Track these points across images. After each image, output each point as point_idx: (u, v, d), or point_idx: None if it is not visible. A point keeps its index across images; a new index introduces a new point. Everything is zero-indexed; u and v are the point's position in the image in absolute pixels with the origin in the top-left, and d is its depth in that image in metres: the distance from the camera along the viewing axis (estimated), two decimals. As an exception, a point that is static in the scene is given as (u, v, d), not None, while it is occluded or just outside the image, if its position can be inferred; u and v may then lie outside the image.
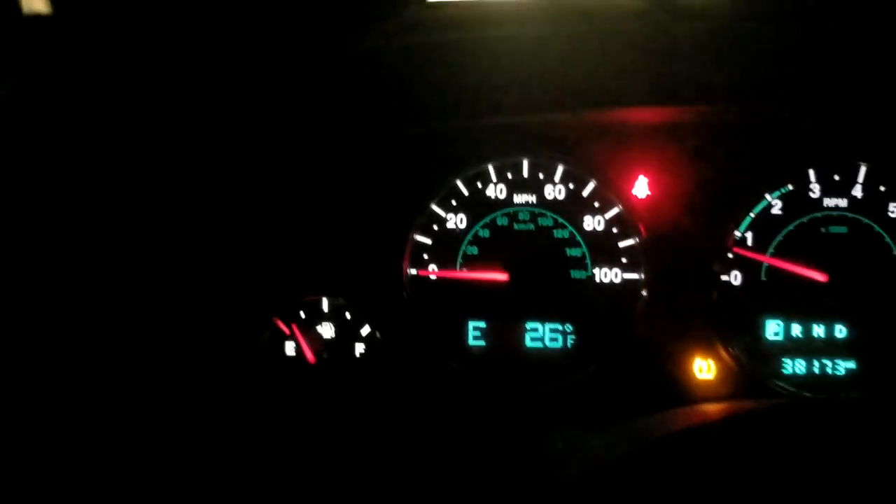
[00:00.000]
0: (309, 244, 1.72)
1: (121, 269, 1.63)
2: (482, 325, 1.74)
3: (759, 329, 1.70)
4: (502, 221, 1.73)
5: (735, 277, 1.69)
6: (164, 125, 1.53)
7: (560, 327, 1.73)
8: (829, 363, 1.69)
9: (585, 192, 1.72)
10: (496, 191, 1.73)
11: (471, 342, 1.74)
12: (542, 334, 1.73)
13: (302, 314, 1.71)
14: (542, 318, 1.73)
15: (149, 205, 1.66)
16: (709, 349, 1.67)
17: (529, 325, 1.74)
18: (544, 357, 1.73)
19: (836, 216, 1.67)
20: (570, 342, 1.73)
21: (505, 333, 1.74)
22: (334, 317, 1.71)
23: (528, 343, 1.74)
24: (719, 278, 1.68)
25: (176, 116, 1.53)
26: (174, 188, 1.68)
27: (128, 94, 1.42)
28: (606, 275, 1.72)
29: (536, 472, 1.42)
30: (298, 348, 1.70)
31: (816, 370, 1.69)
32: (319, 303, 1.72)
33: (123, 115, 1.50)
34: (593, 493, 1.36)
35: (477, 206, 1.73)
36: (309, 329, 1.71)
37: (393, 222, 1.72)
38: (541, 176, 1.73)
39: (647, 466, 1.31)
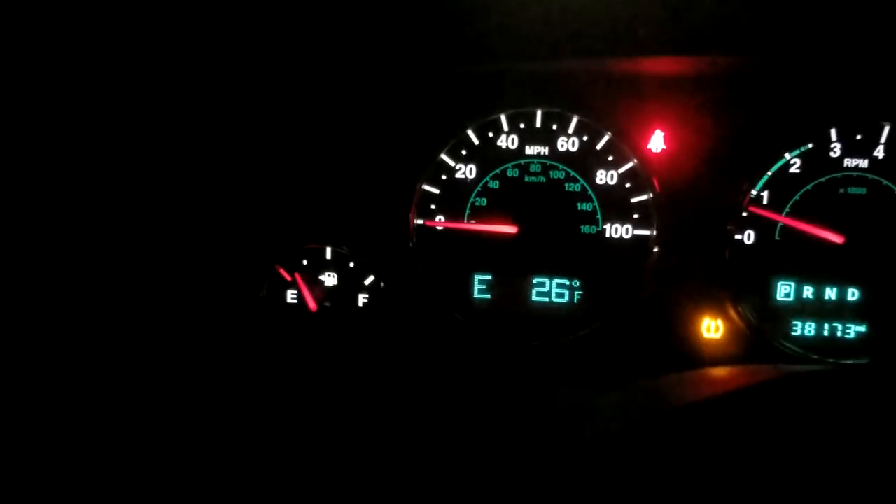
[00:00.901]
0: (314, 191, 1.68)
1: (125, 212, 1.60)
2: (488, 278, 1.71)
3: (770, 290, 1.67)
4: (513, 173, 1.69)
5: (748, 236, 1.65)
6: (171, 58, 1.48)
7: (567, 283, 1.70)
8: (839, 326, 1.67)
9: (599, 145, 1.67)
10: (508, 141, 1.68)
11: (476, 295, 1.71)
12: (548, 289, 1.70)
13: (305, 262, 1.68)
14: (550, 273, 1.70)
15: (155, 148, 1.62)
16: (718, 309, 1.65)
17: (536, 280, 1.70)
18: (550, 312, 1.70)
19: (855, 177, 1.63)
20: (576, 298, 1.70)
21: (511, 287, 1.71)
22: (337, 266, 1.68)
23: (535, 298, 1.71)
24: (732, 237, 1.65)
25: (184, 50, 1.48)
26: (182, 132, 1.63)
27: (133, 27, 1.37)
28: (617, 230, 1.68)
29: (549, 432, 1.40)
30: (300, 296, 1.67)
31: (826, 333, 1.67)
32: (323, 251, 1.68)
33: (124, 51, 1.45)
34: (609, 459, 1.33)
35: (487, 156, 1.69)
36: (311, 277, 1.67)
37: (401, 171, 1.68)
38: (554, 127, 1.68)
39: (665, 436, 1.28)
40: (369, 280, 1.68)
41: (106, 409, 1.49)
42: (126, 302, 1.57)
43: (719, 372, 1.48)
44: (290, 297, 1.68)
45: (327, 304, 1.68)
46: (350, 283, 1.68)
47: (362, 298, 1.68)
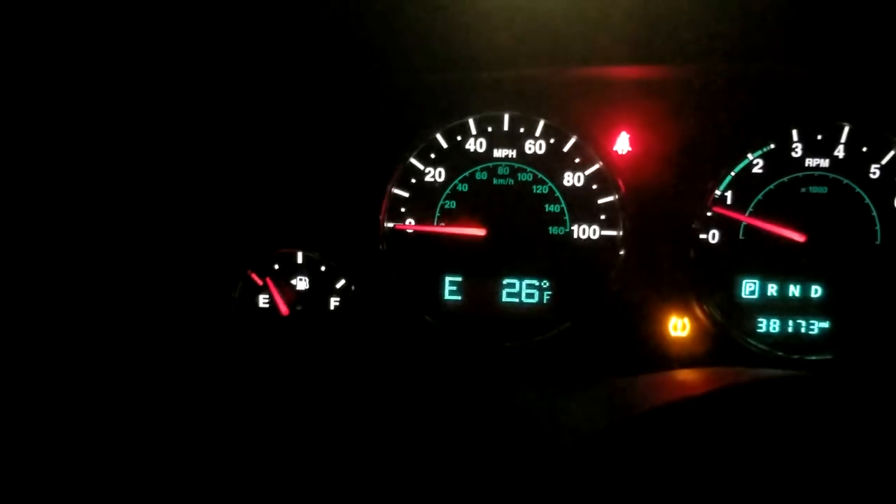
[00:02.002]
0: (285, 196, 1.69)
1: (97, 217, 1.60)
2: (458, 279, 1.73)
3: (735, 288, 1.70)
4: (481, 176, 1.71)
5: (713, 236, 1.68)
6: (135, 70, 1.49)
7: (537, 283, 1.72)
8: (803, 323, 1.70)
9: (566, 148, 1.69)
10: (476, 144, 1.70)
11: (446, 297, 1.73)
12: (518, 290, 1.72)
13: (276, 266, 1.69)
14: (519, 274, 1.72)
15: (127, 153, 1.62)
16: (684, 307, 1.67)
17: (506, 281, 1.72)
18: (520, 313, 1.72)
19: (816, 176, 1.66)
20: (546, 298, 1.72)
21: (481, 289, 1.73)
22: (309, 270, 1.69)
23: (505, 298, 1.73)
24: (697, 236, 1.67)
25: (149, 62, 1.49)
26: (154, 139, 1.64)
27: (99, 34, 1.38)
28: (585, 231, 1.70)
29: (523, 434, 1.42)
30: (272, 300, 1.68)
31: (791, 329, 1.70)
32: (294, 255, 1.69)
33: (94, 57, 1.45)
34: (581, 462, 1.35)
35: (456, 159, 1.70)
36: (283, 281, 1.68)
37: (370, 175, 1.69)
38: (521, 130, 1.70)
39: (634, 438, 1.30)
40: (340, 283, 1.70)
41: (77, 408, 1.50)
42: (98, 305, 1.58)
43: (686, 374, 1.51)
44: (262, 301, 1.69)
45: (299, 307, 1.69)
46: (321, 287, 1.69)
47: (334, 302, 1.70)
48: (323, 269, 1.69)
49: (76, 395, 1.52)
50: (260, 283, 1.68)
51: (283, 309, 1.68)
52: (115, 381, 1.56)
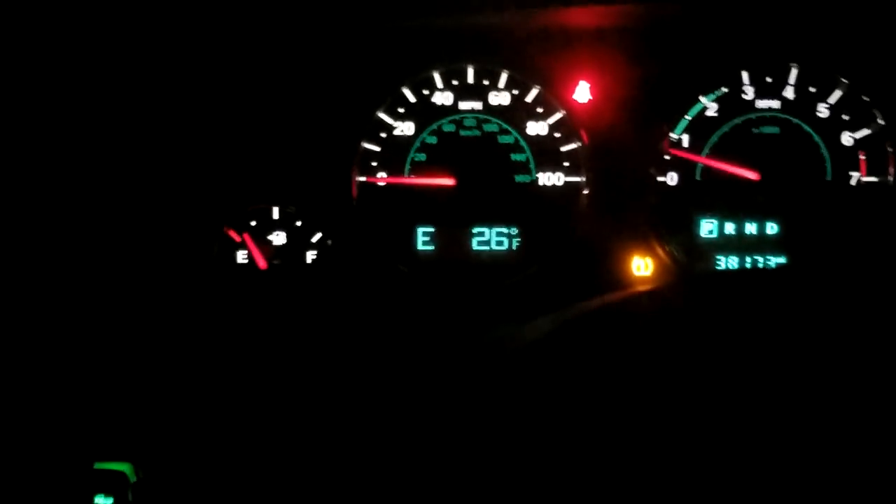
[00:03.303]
0: (258, 153, 1.74)
1: (64, 182, 1.64)
2: (431, 230, 1.79)
3: (694, 227, 1.77)
4: (449, 128, 1.77)
5: (671, 178, 1.76)
6: (98, 27, 1.53)
7: (506, 230, 1.79)
8: (760, 259, 1.78)
9: (529, 98, 1.76)
10: (442, 97, 1.76)
11: (420, 247, 1.80)
12: (488, 238, 1.79)
13: (252, 223, 1.74)
14: (489, 223, 1.79)
15: (90, 116, 1.66)
16: (646, 248, 1.75)
17: (476, 230, 1.79)
18: (490, 259, 1.79)
19: (768, 117, 1.73)
20: (514, 244, 1.79)
21: (453, 238, 1.79)
22: (285, 224, 1.75)
23: (475, 246, 1.79)
24: (656, 179, 1.75)
25: (115, 19, 1.52)
26: (118, 101, 1.68)
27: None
28: (549, 178, 1.77)
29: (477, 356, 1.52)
30: (250, 256, 1.74)
31: (749, 265, 1.78)
32: (270, 211, 1.75)
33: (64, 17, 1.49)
34: (527, 367, 1.47)
35: (424, 113, 1.76)
36: (260, 237, 1.74)
37: (341, 130, 1.75)
38: (486, 82, 1.76)
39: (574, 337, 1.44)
40: (316, 237, 1.76)
41: (59, 372, 1.55)
42: (74, 269, 1.63)
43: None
44: (241, 257, 1.74)
45: (276, 262, 1.75)
46: (298, 241, 1.75)
47: (310, 255, 1.76)
48: (299, 223, 1.75)
49: (60, 357, 1.58)
50: (238, 239, 1.74)
51: (262, 263, 1.74)
52: (100, 341, 1.62)
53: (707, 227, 1.78)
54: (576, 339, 1.52)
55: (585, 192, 1.76)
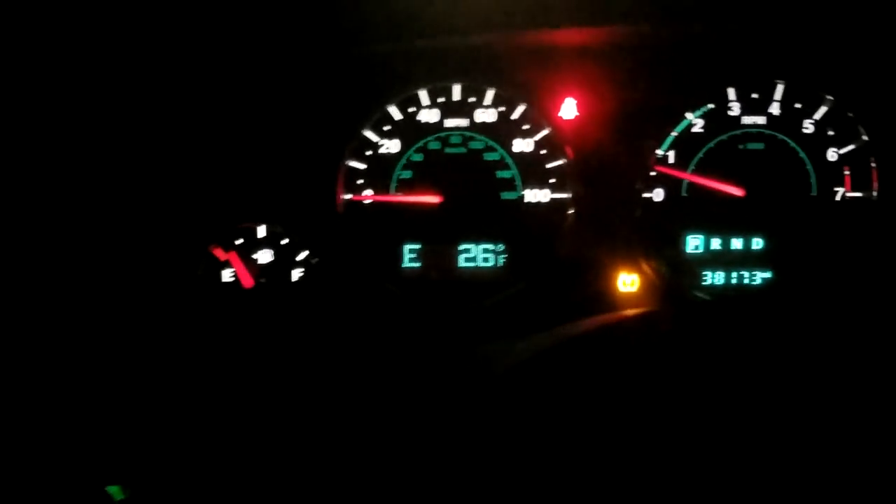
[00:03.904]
0: (243, 171, 1.73)
1: (50, 198, 1.63)
2: (417, 247, 1.79)
3: (680, 243, 1.78)
4: (434, 145, 1.76)
5: (657, 194, 1.76)
6: (93, 38, 1.52)
7: (492, 247, 1.79)
8: (746, 274, 1.79)
9: (515, 115, 1.75)
10: (428, 115, 1.76)
11: (406, 264, 1.79)
12: (474, 255, 1.79)
13: (238, 241, 1.74)
14: (475, 240, 1.79)
15: (84, 130, 1.65)
16: (632, 264, 1.75)
17: (463, 247, 1.79)
18: (477, 276, 1.79)
19: (753, 133, 1.74)
20: (501, 261, 1.79)
21: (439, 255, 1.79)
22: (271, 243, 1.74)
23: (462, 263, 1.79)
24: (642, 195, 1.75)
25: (106, 30, 1.51)
26: (109, 116, 1.67)
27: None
28: (536, 195, 1.77)
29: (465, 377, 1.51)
30: (235, 275, 1.73)
31: (734, 281, 1.79)
32: (256, 230, 1.74)
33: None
34: (514, 389, 1.47)
35: (409, 130, 1.76)
36: (246, 255, 1.74)
37: (326, 148, 1.74)
38: (472, 100, 1.76)
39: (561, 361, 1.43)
40: (302, 255, 1.75)
41: (41, 390, 1.54)
42: (60, 286, 1.62)
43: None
44: (227, 276, 1.74)
45: (262, 280, 1.74)
46: (284, 260, 1.75)
47: (296, 274, 1.75)
48: (285, 241, 1.74)
49: (41, 374, 1.57)
50: (223, 257, 1.73)
51: (247, 282, 1.73)
52: (85, 361, 1.61)
53: (693, 243, 1.78)
54: (564, 361, 1.52)
55: (572, 208, 1.76)
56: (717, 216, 1.76)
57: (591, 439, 1.51)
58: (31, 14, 1.44)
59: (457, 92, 1.75)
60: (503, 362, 1.54)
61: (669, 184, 1.75)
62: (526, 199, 1.77)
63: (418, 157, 1.76)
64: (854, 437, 1.51)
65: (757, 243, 1.77)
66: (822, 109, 1.72)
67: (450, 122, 1.75)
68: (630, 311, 1.64)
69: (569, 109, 1.73)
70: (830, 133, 1.73)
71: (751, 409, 1.55)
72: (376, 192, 1.77)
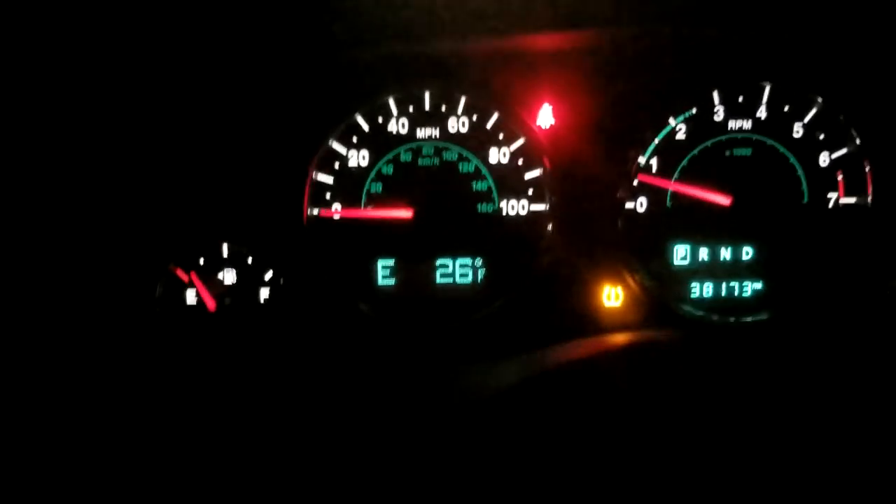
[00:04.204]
0: (205, 187, 1.64)
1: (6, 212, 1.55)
2: (391, 263, 1.70)
3: (666, 254, 1.70)
4: (406, 157, 1.68)
5: (640, 204, 1.68)
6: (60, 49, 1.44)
7: (470, 262, 1.70)
8: (736, 285, 1.71)
9: (489, 124, 1.67)
10: (398, 125, 1.67)
11: (380, 282, 1.71)
12: (452, 270, 1.71)
13: (201, 261, 1.65)
14: (452, 254, 1.70)
15: (41, 143, 1.57)
16: (616, 277, 1.67)
17: (440, 262, 1.70)
18: (455, 293, 1.70)
19: (740, 138, 1.66)
20: (479, 277, 1.70)
21: (415, 271, 1.71)
22: (235, 262, 1.66)
23: (439, 280, 1.71)
24: (624, 206, 1.67)
25: (71, 41, 1.43)
26: (68, 129, 1.59)
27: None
28: (513, 207, 1.69)
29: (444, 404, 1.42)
30: (198, 296, 1.64)
31: (724, 293, 1.71)
32: (219, 248, 1.65)
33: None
34: (497, 420, 1.37)
35: (379, 141, 1.67)
36: (209, 276, 1.65)
37: (291, 161, 1.65)
38: (443, 108, 1.67)
39: (547, 393, 1.33)
40: (269, 275, 1.66)
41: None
42: (10, 305, 1.53)
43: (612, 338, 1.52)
44: (189, 297, 1.65)
45: (227, 302, 1.65)
46: (250, 280, 1.66)
47: (263, 294, 1.66)
48: (250, 260, 1.66)
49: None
50: (185, 278, 1.64)
51: (211, 304, 1.64)
52: (36, 387, 1.52)
53: (680, 254, 1.70)
54: (549, 388, 1.42)
55: (551, 221, 1.67)
56: (704, 226, 1.68)
57: (580, 463, 1.42)
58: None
59: (427, 100, 1.66)
60: (487, 388, 1.46)
61: (653, 193, 1.67)
62: (503, 212, 1.68)
63: (389, 170, 1.68)
64: (855, 450, 1.43)
65: (747, 253, 1.69)
66: (812, 112, 1.64)
67: (421, 133, 1.67)
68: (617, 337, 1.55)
69: (545, 117, 1.64)
70: (821, 136, 1.65)
71: (748, 428, 1.46)
72: (345, 207, 1.69)
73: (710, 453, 1.39)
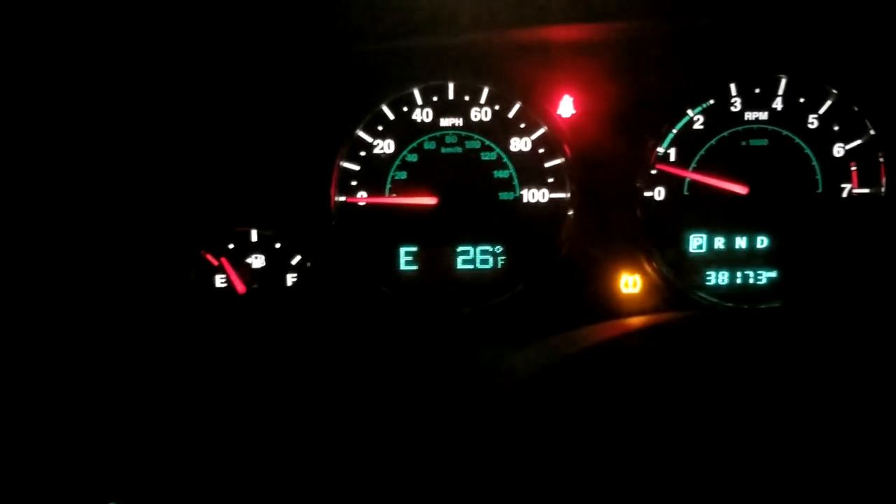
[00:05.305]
0: (235, 175, 1.69)
1: (41, 202, 1.60)
2: (413, 249, 1.75)
3: (682, 243, 1.73)
4: (430, 145, 1.72)
5: (658, 193, 1.72)
6: (86, 40, 1.48)
7: (490, 249, 1.75)
8: (751, 273, 1.74)
9: (511, 114, 1.71)
10: (422, 114, 1.72)
11: (402, 267, 1.75)
12: (472, 257, 1.75)
13: (230, 246, 1.70)
14: (473, 241, 1.74)
15: (77, 134, 1.62)
16: (634, 264, 1.71)
17: (460, 248, 1.75)
18: (475, 278, 1.75)
19: (756, 129, 1.69)
20: (500, 263, 1.75)
21: (436, 257, 1.75)
22: (264, 247, 1.71)
23: (460, 265, 1.75)
24: (643, 194, 1.71)
25: (100, 32, 1.48)
26: (97, 117, 1.64)
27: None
28: (534, 195, 1.73)
29: (465, 388, 1.46)
30: (228, 280, 1.69)
31: (739, 281, 1.74)
32: (248, 234, 1.71)
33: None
34: (519, 405, 1.41)
35: (404, 130, 1.72)
36: (238, 260, 1.70)
37: (318, 150, 1.70)
38: (466, 98, 1.71)
39: (568, 378, 1.36)
40: (296, 260, 1.71)
41: (33, 396, 1.51)
42: (50, 290, 1.58)
43: (629, 321, 1.55)
44: (219, 281, 1.70)
45: (255, 285, 1.70)
46: (277, 264, 1.71)
47: (290, 278, 1.71)
48: (278, 246, 1.71)
49: (32, 380, 1.53)
50: (215, 263, 1.70)
51: (240, 287, 1.69)
52: (77, 370, 1.57)
53: (696, 242, 1.73)
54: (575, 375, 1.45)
55: (571, 208, 1.72)
56: (721, 215, 1.72)
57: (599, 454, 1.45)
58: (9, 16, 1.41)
59: (451, 90, 1.71)
60: (511, 374, 1.49)
61: (671, 182, 1.71)
62: (524, 200, 1.73)
63: (413, 158, 1.72)
64: (867, 439, 1.46)
65: (762, 242, 1.73)
66: (827, 103, 1.68)
67: (445, 122, 1.71)
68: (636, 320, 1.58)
69: (566, 107, 1.68)
70: (836, 128, 1.68)
71: (761, 421, 1.49)
72: (370, 194, 1.73)
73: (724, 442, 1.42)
